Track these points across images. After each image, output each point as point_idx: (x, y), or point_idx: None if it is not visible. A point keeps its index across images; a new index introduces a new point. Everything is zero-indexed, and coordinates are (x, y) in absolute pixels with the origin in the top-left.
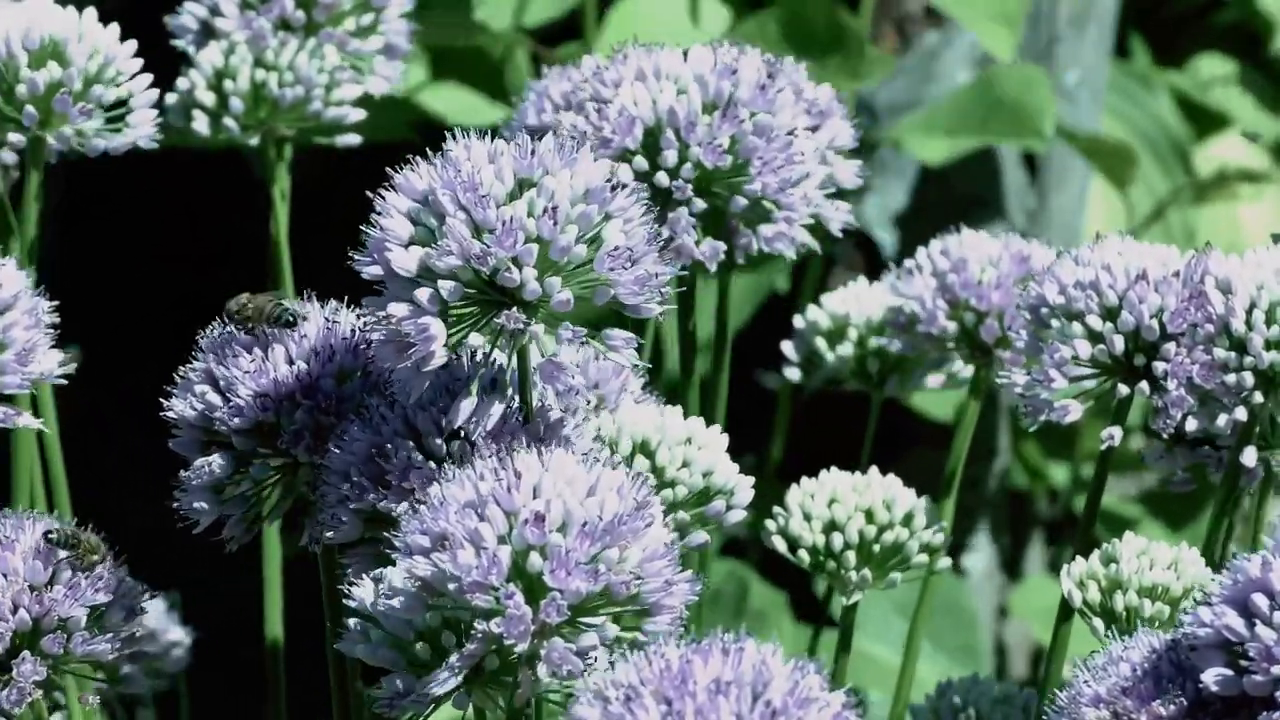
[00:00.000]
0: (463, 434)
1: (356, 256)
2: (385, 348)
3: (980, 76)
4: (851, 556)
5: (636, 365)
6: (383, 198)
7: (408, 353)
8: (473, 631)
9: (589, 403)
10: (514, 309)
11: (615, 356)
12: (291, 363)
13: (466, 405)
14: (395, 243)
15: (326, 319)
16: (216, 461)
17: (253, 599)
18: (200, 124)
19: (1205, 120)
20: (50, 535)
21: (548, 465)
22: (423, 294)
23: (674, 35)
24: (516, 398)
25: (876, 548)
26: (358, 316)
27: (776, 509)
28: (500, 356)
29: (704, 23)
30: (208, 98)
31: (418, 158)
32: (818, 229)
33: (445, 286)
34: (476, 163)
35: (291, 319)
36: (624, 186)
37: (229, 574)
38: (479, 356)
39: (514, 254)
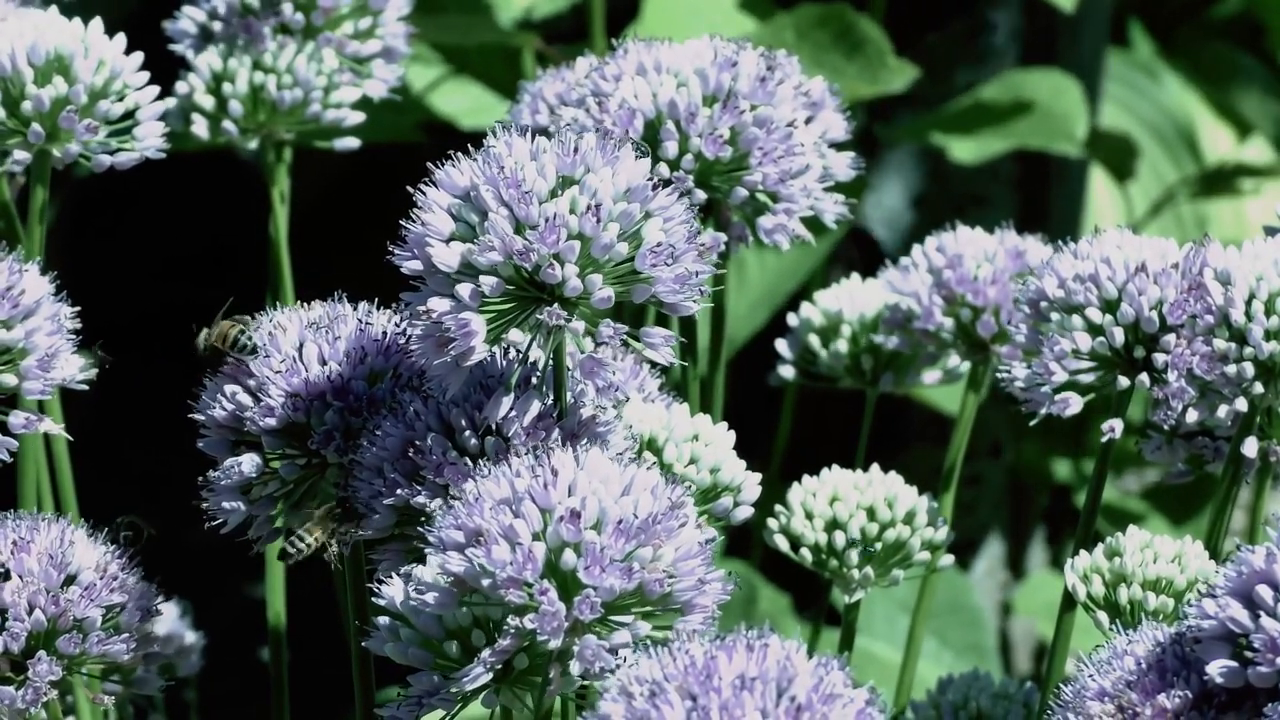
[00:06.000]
0: (497, 430)
1: (396, 251)
2: (424, 343)
3: (1006, 79)
4: (854, 554)
5: (671, 364)
6: (423, 193)
7: (447, 348)
8: (505, 627)
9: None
10: (554, 305)
11: (653, 355)
12: (324, 363)
13: (505, 401)
14: (436, 238)
15: (360, 320)
16: (247, 461)
17: (253, 605)
18: (199, 127)
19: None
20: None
21: (583, 464)
22: (464, 289)
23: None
24: (550, 394)
25: (878, 545)
26: (389, 316)
27: (778, 507)
28: (536, 353)
29: (726, 27)
30: (206, 101)
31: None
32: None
33: (487, 282)
34: (519, 159)
35: (251, 345)
36: (665, 184)
37: (230, 580)
38: (513, 353)
39: (556, 250)
